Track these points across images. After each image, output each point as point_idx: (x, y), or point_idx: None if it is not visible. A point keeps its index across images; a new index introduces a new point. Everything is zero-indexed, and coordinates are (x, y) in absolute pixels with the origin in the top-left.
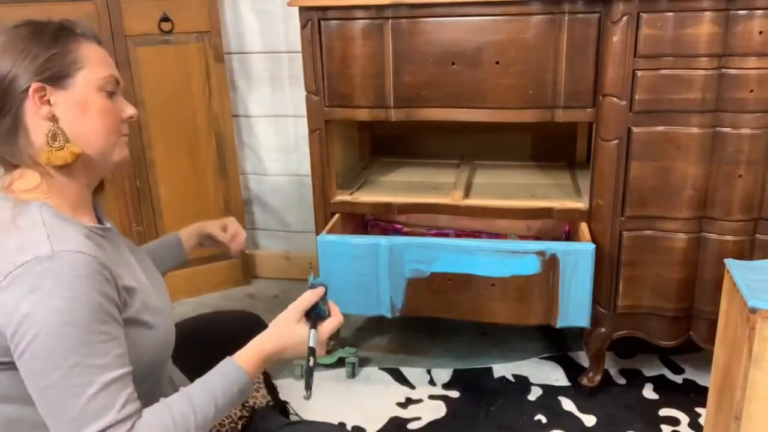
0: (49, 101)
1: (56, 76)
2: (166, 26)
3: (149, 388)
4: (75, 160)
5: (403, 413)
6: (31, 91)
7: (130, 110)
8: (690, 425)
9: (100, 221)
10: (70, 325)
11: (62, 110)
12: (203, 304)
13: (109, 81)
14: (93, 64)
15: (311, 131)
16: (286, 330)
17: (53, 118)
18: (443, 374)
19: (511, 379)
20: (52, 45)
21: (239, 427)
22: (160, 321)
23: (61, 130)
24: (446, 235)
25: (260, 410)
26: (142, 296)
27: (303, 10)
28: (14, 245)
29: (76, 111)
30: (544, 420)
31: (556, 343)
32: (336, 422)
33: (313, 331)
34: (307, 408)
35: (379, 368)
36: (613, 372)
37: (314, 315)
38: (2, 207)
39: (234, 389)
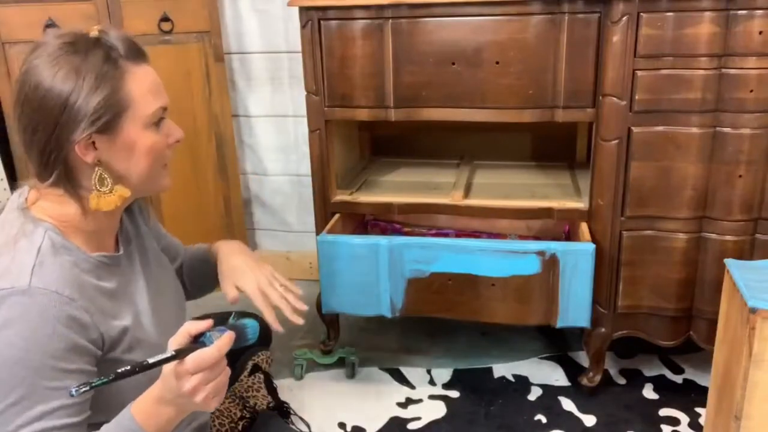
0: (94, 144)
1: (102, 127)
2: (166, 26)
3: None
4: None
5: (403, 413)
6: (76, 143)
7: (176, 134)
8: (690, 425)
9: (118, 244)
10: (20, 364)
11: (107, 153)
12: (204, 305)
13: (156, 114)
14: (139, 101)
15: (311, 131)
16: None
17: (99, 163)
18: (443, 374)
19: (511, 379)
20: (96, 88)
21: (239, 427)
22: (151, 355)
23: (108, 173)
24: (446, 235)
25: (263, 415)
26: (135, 332)
27: (303, 10)
28: (3, 266)
29: (123, 152)
30: (544, 420)
31: (556, 343)
32: (336, 422)
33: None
34: (307, 408)
35: (379, 368)
36: (613, 372)
37: (200, 342)
38: (14, 223)
39: None
